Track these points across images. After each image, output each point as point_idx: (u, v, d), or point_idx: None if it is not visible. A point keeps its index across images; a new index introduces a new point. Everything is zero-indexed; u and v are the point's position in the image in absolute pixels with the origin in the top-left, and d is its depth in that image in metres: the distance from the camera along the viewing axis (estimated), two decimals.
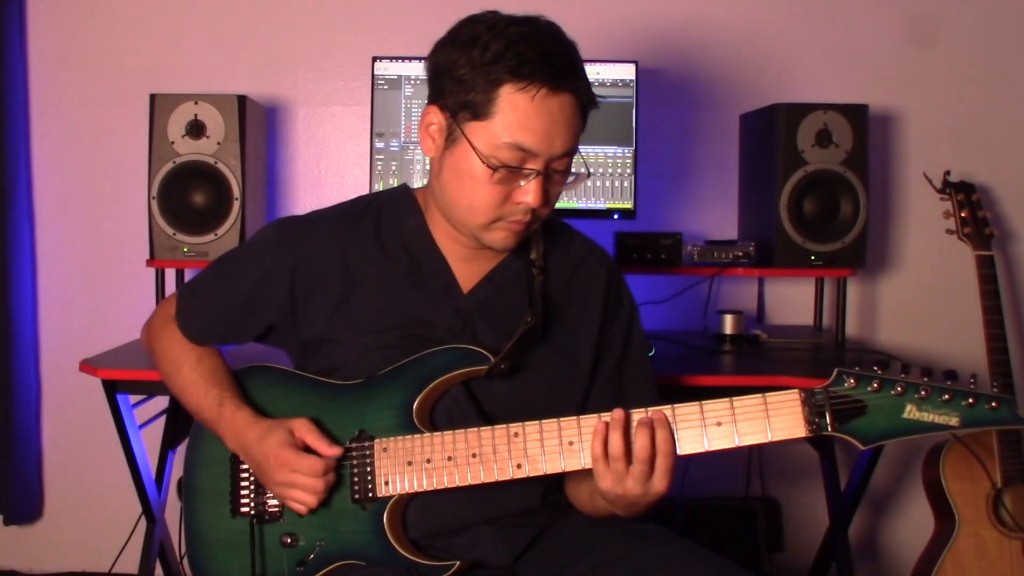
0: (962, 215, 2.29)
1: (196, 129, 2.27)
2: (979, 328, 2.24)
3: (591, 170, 1.41)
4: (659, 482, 1.28)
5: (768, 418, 1.26)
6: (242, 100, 2.29)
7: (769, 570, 2.59)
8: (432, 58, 1.37)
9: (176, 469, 2.30)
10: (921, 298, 2.71)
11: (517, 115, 1.28)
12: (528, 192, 1.32)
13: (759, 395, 1.27)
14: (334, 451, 1.35)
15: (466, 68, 1.30)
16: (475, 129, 1.31)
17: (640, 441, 1.26)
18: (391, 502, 1.37)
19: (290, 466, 1.33)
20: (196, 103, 2.27)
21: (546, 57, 1.28)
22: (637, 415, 1.29)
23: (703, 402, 1.29)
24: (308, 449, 1.36)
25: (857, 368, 1.26)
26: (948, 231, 2.32)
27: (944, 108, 2.68)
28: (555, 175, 1.35)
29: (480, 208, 1.35)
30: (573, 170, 1.38)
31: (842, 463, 2.43)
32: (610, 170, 2.37)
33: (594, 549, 1.40)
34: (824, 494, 2.39)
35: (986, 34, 2.67)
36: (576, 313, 1.48)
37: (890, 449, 2.48)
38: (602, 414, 1.30)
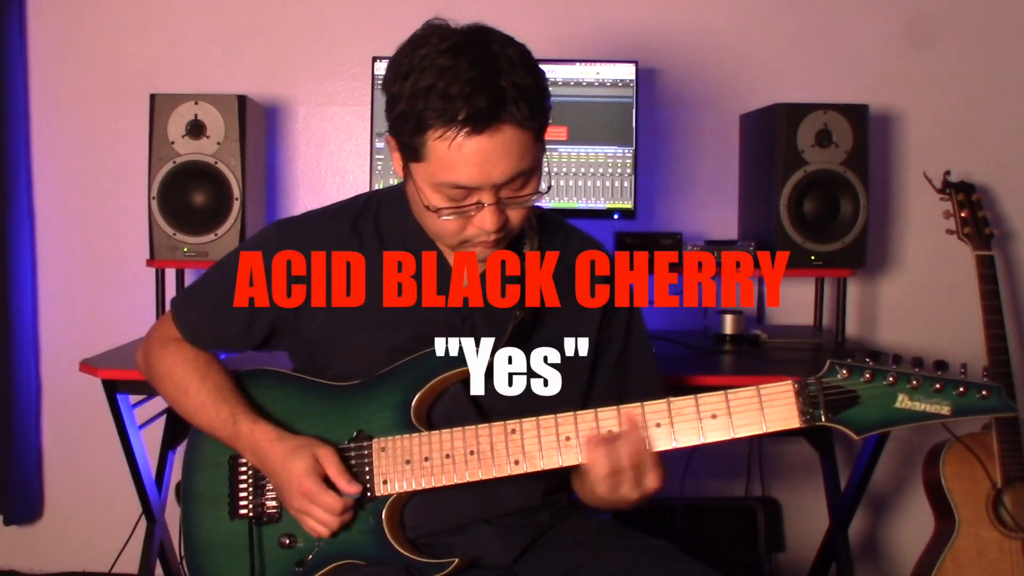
0: (962, 215, 2.29)
1: (196, 129, 2.27)
2: (979, 328, 2.24)
3: (550, 186, 1.38)
4: (651, 482, 1.30)
5: (763, 410, 1.27)
6: (242, 100, 2.29)
7: (769, 570, 2.59)
8: (383, 83, 1.34)
9: (176, 469, 2.30)
10: (921, 298, 2.71)
11: (444, 158, 1.26)
12: (483, 220, 1.32)
13: (753, 387, 1.28)
14: (354, 489, 1.35)
15: (401, 105, 1.28)
16: (416, 168, 1.32)
17: (623, 450, 1.28)
18: (389, 501, 1.37)
19: (310, 497, 1.34)
20: (196, 103, 2.28)
21: (467, 97, 1.22)
22: (606, 419, 1.30)
23: (698, 395, 1.30)
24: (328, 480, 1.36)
25: (849, 359, 1.27)
26: (948, 231, 2.32)
27: (944, 108, 2.68)
28: (508, 200, 1.32)
29: (444, 235, 1.37)
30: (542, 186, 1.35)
31: (842, 463, 2.43)
32: (610, 170, 2.37)
33: (598, 560, 1.40)
34: (824, 494, 2.39)
35: (986, 34, 2.67)
36: (574, 308, 1.47)
37: (890, 449, 2.48)
38: (599, 410, 1.31)
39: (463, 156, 1.25)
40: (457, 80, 1.23)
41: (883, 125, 2.67)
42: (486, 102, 1.23)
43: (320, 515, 1.35)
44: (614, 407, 1.31)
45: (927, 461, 2.29)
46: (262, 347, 1.54)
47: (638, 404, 1.30)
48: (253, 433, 1.40)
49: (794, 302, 2.65)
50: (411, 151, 1.30)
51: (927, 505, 2.31)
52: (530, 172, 1.31)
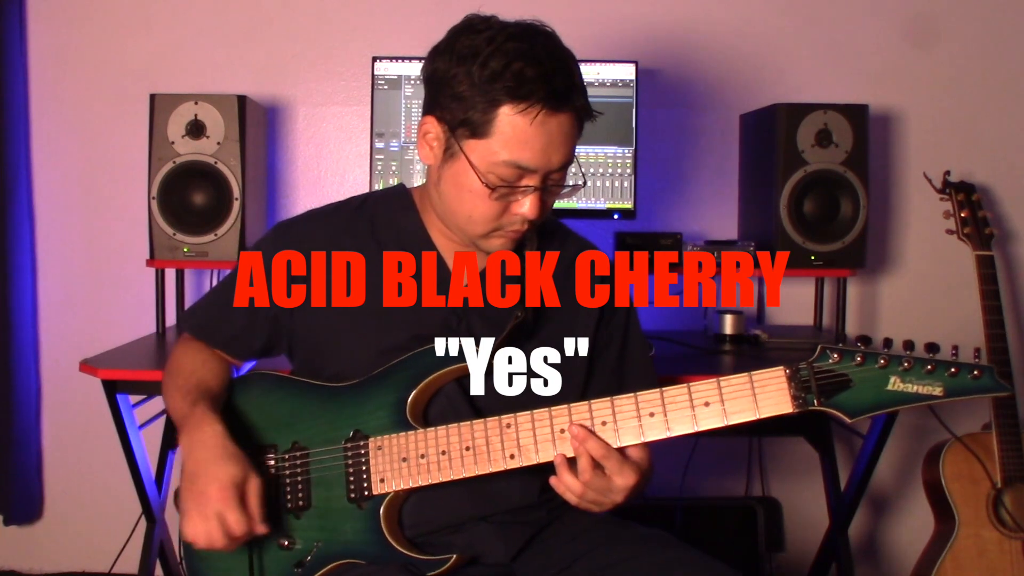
0: (962, 215, 2.29)
1: (196, 129, 2.27)
2: (979, 328, 2.25)
3: (586, 179, 1.42)
4: (619, 479, 1.30)
5: (755, 396, 1.28)
6: (242, 100, 2.29)
7: (769, 570, 2.58)
8: (430, 66, 1.36)
9: (176, 469, 2.30)
10: (921, 298, 2.71)
11: (516, 135, 1.30)
12: (525, 205, 1.35)
13: (745, 374, 1.29)
14: (261, 529, 1.32)
15: (464, 85, 1.30)
16: (473, 147, 1.32)
17: (580, 464, 1.29)
18: (387, 499, 1.37)
19: (223, 507, 1.29)
20: (196, 103, 2.28)
21: (545, 77, 1.28)
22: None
23: (691, 384, 1.30)
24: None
25: (841, 344, 1.29)
26: (948, 231, 2.32)
27: (944, 108, 2.68)
28: (552, 187, 1.37)
29: (479, 220, 1.38)
30: (571, 180, 1.40)
31: (842, 463, 2.43)
32: (610, 170, 2.37)
33: (596, 551, 1.40)
34: (824, 494, 2.38)
35: (986, 34, 2.67)
36: (572, 309, 1.48)
37: (890, 449, 2.48)
38: (592, 401, 1.32)
39: (536, 133, 1.29)
40: (535, 63, 1.28)
41: (883, 125, 2.67)
42: (562, 85, 1.29)
43: (216, 529, 1.29)
44: (607, 398, 1.32)
45: (927, 461, 2.29)
46: (265, 354, 1.54)
47: (631, 395, 1.31)
48: (202, 422, 1.37)
49: (794, 302, 2.65)
50: (473, 128, 1.31)
51: (927, 505, 2.31)
52: (569, 165, 1.37)
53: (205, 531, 1.30)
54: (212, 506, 1.30)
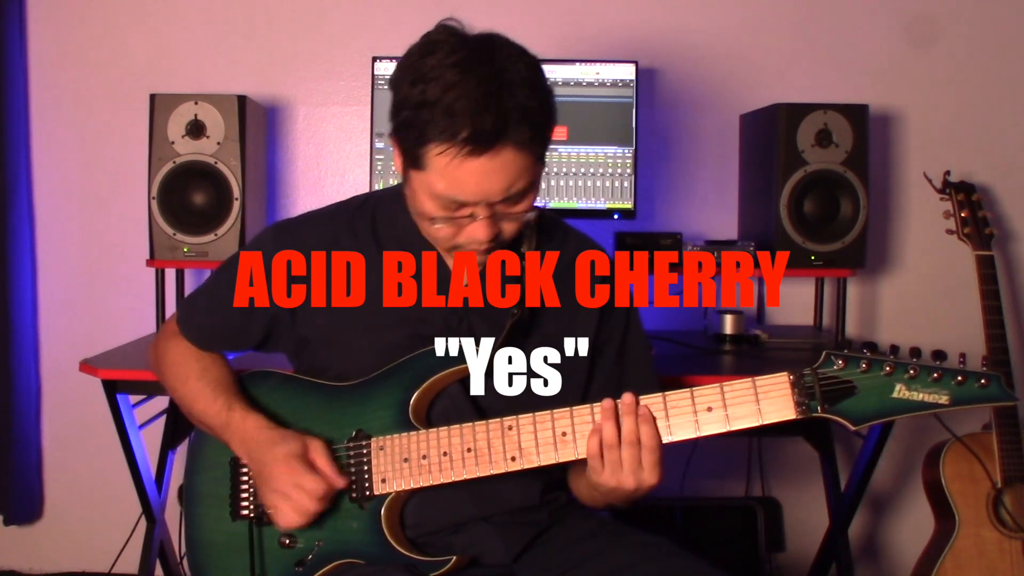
0: (962, 215, 2.29)
1: (196, 129, 2.27)
2: (979, 328, 2.24)
3: (542, 211, 1.36)
4: (649, 475, 1.29)
5: (758, 402, 1.27)
6: (242, 100, 2.29)
7: (769, 570, 2.58)
8: (391, 82, 1.33)
9: (176, 469, 2.30)
10: (921, 298, 2.71)
11: (445, 172, 1.26)
12: (475, 231, 1.32)
13: (748, 379, 1.28)
14: (340, 482, 1.35)
15: (406, 112, 1.27)
16: (415, 175, 1.31)
17: (627, 425, 1.28)
18: (388, 500, 1.37)
19: (295, 478, 1.33)
20: (196, 103, 2.28)
21: (471, 117, 1.21)
22: (624, 403, 1.30)
23: (693, 389, 1.29)
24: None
25: (846, 350, 1.26)
26: (948, 231, 2.32)
27: (944, 108, 2.68)
28: (506, 213, 1.32)
29: (437, 240, 1.38)
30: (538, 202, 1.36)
31: (842, 463, 2.43)
32: (610, 170, 2.37)
33: (598, 556, 1.40)
34: (824, 494, 2.38)
35: (986, 34, 2.67)
36: (572, 307, 1.48)
37: (890, 449, 2.48)
38: (594, 405, 1.31)
39: (462, 174, 1.25)
40: (463, 97, 1.22)
41: (883, 125, 2.67)
42: (490, 124, 1.22)
43: (299, 497, 1.32)
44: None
45: (927, 461, 2.29)
46: (261, 347, 1.54)
47: (631, 396, 1.30)
48: (244, 421, 1.41)
49: (794, 302, 2.65)
50: (411, 158, 1.29)
51: (927, 505, 2.31)
52: (526, 190, 1.31)
53: (292, 508, 1.33)
54: (285, 484, 1.33)
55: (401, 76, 1.29)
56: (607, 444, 1.29)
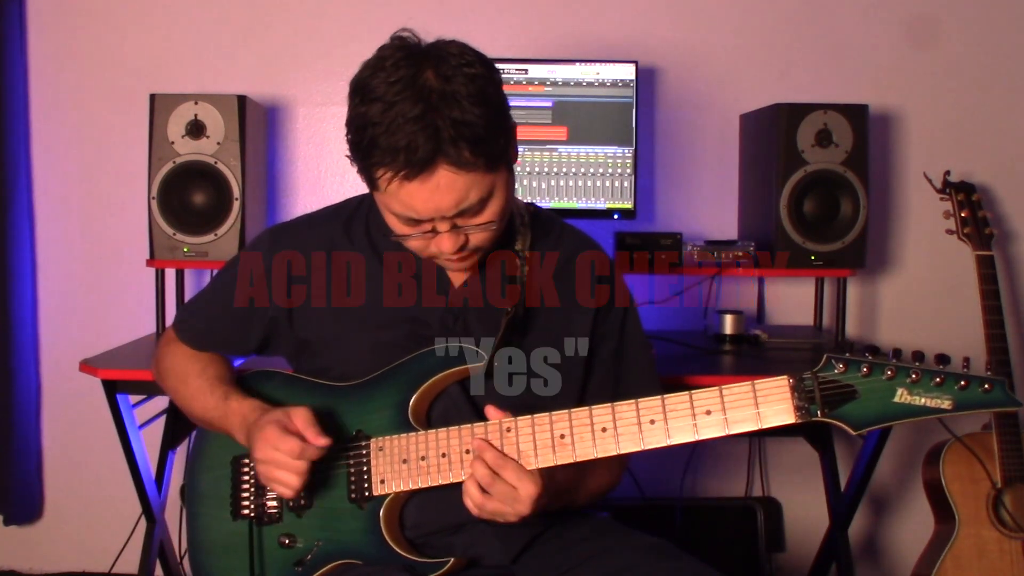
0: (962, 215, 2.29)
1: (196, 129, 2.27)
2: (979, 328, 2.24)
3: (499, 223, 1.35)
4: (522, 488, 1.28)
5: (758, 406, 1.25)
6: (242, 100, 2.29)
7: (769, 570, 2.59)
8: (349, 91, 1.32)
9: (176, 469, 2.30)
10: (921, 298, 2.71)
11: (393, 194, 1.27)
12: (441, 243, 1.32)
13: (748, 383, 1.27)
14: (320, 440, 1.32)
15: (352, 134, 1.28)
16: (375, 194, 1.32)
17: (477, 470, 1.29)
18: (387, 500, 1.37)
19: (271, 442, 1.31)
20: (196, 103, 2.27)
21: (405, 140, 1.21)
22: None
23: (692, 392, 1.28)
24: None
25: (847, 353, 1.25)
26: (948, 231, 2.32)
27: (944, 108, 2.68)
28: (468, 225, 1.32)
29: (414, 251, 1.39)
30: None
31: (842, 463, 2.43)
32: (610, 170, 2.36)
33: (597, 558, 1.40)
34: (824, 494, 2.39)
35: (986, 34, 2.67)
36: (569, 305, 1.48)
37: (890, 449, 2.48)
38: (594, 408, 1.31)
39: (405, 195, 1.26)
40: (399, 117, 1.21)
41: (883, 125, 2.67)
42: (422, 146, 1.21)
43: (281, 459, 1.30)
44: (608, 404, 1.31)
45: (927, 461, 2.29)
46: (260, 351, 1.55)
47: (632, 401, 1.30)
48: (241, 405, 1.41)
49: (794, 302, 2.65)
50: (366, 178, 1.30)
51: (927, 505, 2.31)
52: (483, 202, 1.30)
53: (275, 476, 1.32)
54: (265, 450, 1.32)
55: (352, 92, 1.29)
56: (477, 503, 1.29)
